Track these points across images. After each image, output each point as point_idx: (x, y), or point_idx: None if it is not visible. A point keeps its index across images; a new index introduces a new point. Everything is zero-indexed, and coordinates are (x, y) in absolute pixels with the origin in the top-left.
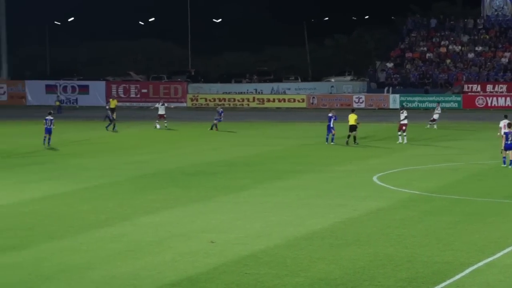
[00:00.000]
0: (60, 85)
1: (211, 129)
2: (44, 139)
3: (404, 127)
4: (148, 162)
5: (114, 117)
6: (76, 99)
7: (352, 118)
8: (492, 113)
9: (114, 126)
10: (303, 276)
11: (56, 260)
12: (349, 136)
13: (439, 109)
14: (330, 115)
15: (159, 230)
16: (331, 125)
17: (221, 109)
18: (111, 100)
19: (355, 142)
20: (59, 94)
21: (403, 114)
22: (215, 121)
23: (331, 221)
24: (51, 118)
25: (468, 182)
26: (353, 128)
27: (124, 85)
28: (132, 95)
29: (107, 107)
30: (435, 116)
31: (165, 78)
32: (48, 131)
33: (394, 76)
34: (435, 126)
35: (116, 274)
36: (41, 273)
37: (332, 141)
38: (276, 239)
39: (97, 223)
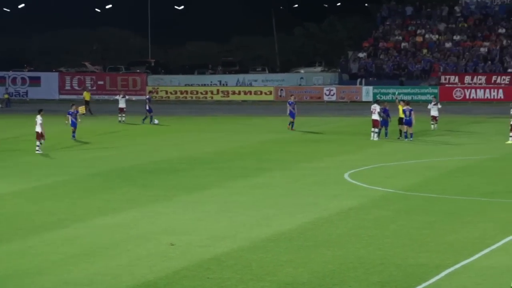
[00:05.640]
0: (9, 77)
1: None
2: None
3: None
4: (104, 159)
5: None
6: (27, 92)
7: None
8: (470, 106)
9: (146, 118)
10: (269, 280)
11: (3, 265)
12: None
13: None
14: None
15: (115, 232)
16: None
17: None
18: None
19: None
20: (7, 86)
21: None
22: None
23: (300, 222)
24: None
25: (444, 180)
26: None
27: (79, 76)
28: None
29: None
30: (434, 113)
31: (123, 69)
32: None
33: (368, 63)
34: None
35: (68, 280)
36: None
37: None
38: (240, 241)
39: (48, 225)
